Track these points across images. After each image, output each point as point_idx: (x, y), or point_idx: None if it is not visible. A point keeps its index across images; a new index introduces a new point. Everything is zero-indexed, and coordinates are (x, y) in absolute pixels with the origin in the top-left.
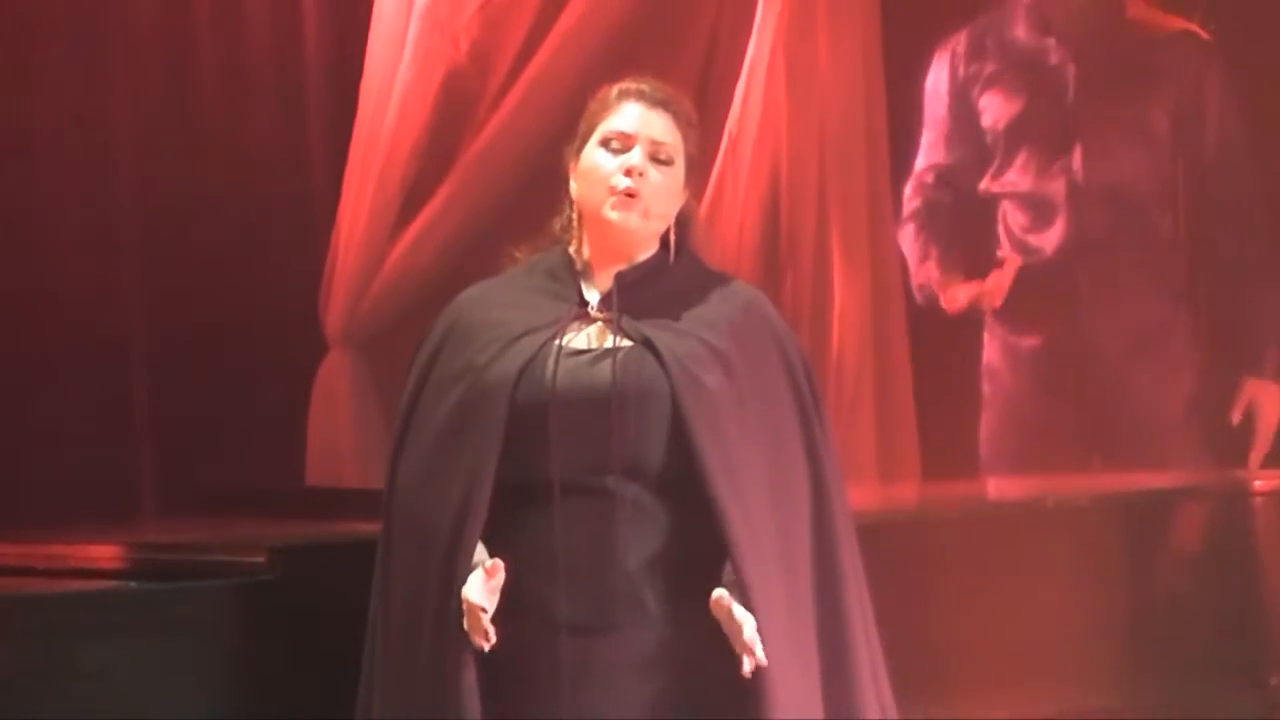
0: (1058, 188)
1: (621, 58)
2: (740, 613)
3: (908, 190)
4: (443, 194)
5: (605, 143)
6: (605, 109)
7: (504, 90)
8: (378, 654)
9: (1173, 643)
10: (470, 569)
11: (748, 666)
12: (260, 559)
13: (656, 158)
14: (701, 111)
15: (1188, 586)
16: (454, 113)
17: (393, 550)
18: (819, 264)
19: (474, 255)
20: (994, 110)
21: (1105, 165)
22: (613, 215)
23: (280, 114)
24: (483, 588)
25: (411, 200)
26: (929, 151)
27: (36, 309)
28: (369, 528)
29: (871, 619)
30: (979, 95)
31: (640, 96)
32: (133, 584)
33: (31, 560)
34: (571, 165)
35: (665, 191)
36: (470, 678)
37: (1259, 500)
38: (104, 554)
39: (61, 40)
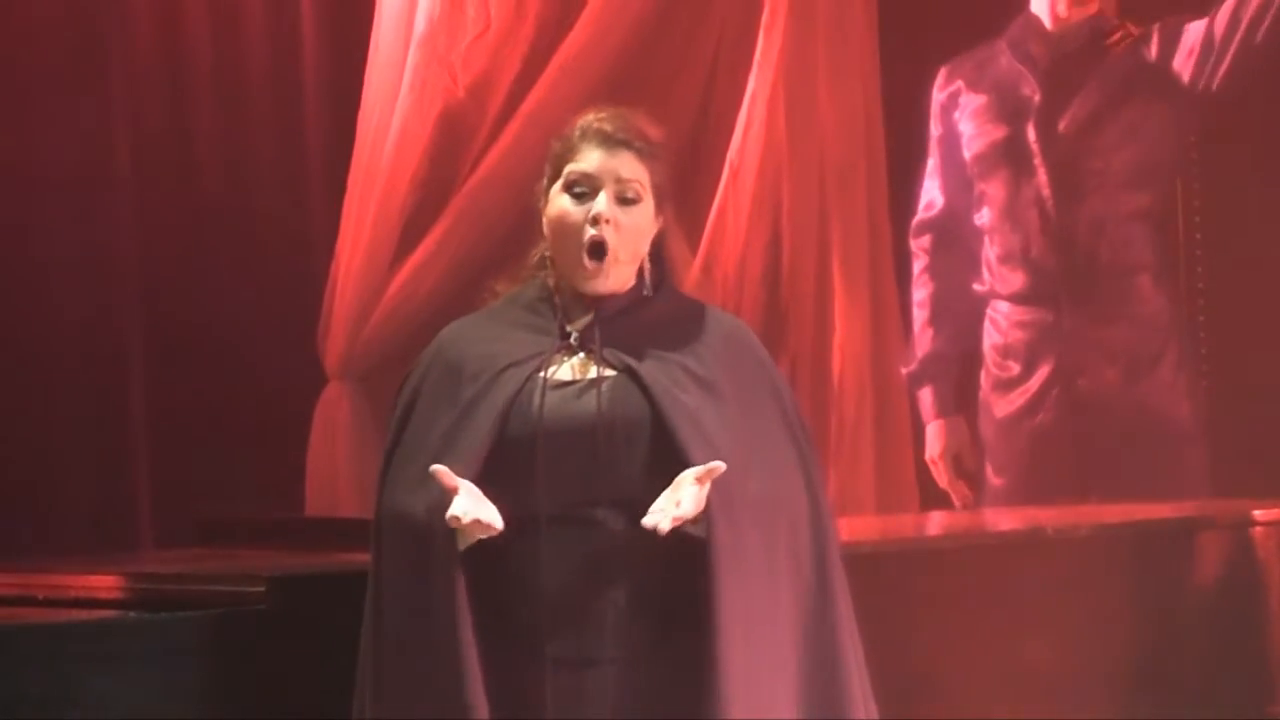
0: (1031, 218)
1: (620, 90)
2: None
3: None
4: (441, 225)
5: (569, 187)
6: (569, 152)
7: (502, 121)
8: (369, 686)
9: (1172, 672)
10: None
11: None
12: (259, 589)
13: (623, 197)
14: (702, 142)
15: (1188, 616)
16: (452, 144)
17: (383, 582)
18: (821, 295)
19: (473, 286)
20: (971, 141)
21: (1082, 196)
22: (586, 285)
23: (278, 145)
24: (459, 501)
25: (410, 231)
26: (925, 187)
27: (34, 338)
28: (367, 558)
29: (859, 642)
30: (960, 125)
31: (601, 138)
32: (132, 614)
33: (31, 590)
34: (543, 204)
35: (634, 232)
36: (476, 683)
37: (1259, 530)
38: (103, 584)
39: (59, 73)
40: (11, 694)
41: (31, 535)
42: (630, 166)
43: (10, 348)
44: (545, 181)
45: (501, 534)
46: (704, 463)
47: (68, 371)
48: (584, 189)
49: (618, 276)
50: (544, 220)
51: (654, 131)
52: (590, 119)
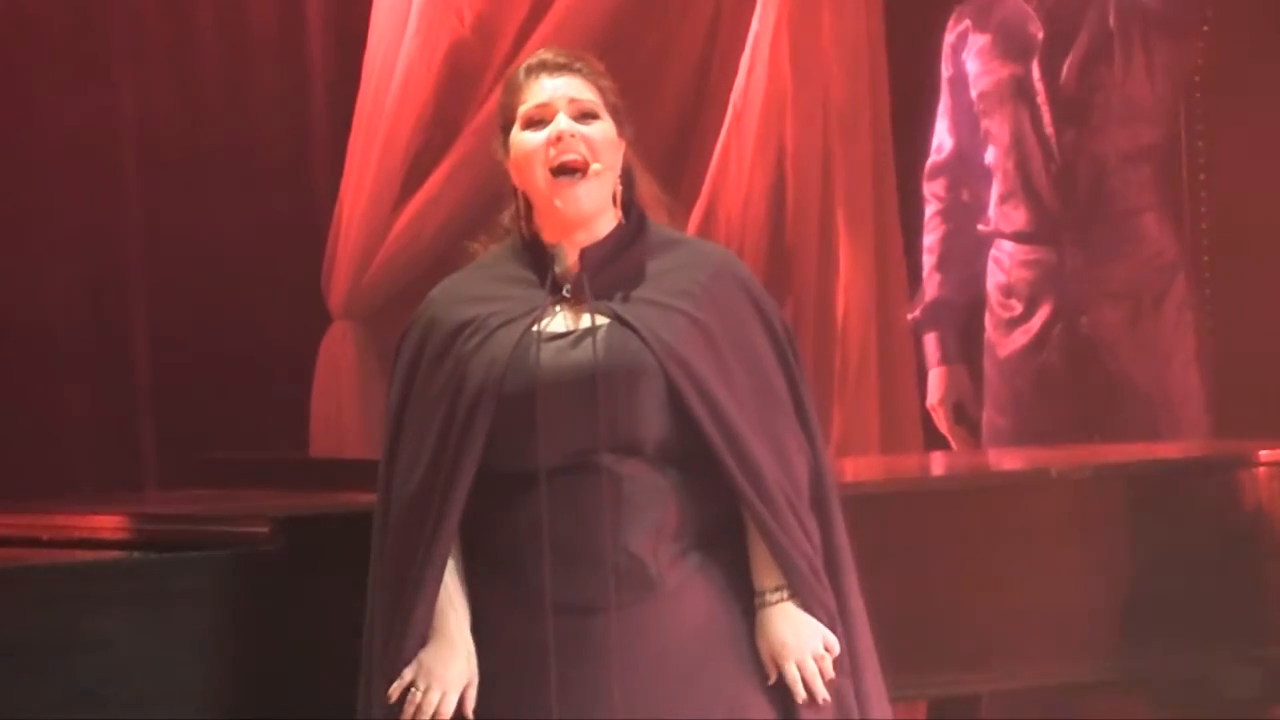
0: (1035, 156)
1: (625, 29)
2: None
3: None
4: (446, 166)
5: (528, 123)
6: (517, 93)
7: (508, 62)
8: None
9: (1174, 613)
10: (446, 553)
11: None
12: (263, 530)
13: (581, 113)
14: (705, 85)
15: (1190, 558)
16: (458, 85)
17: (386, 546)
18: (824, 237)
19: (477, 228)
20: (978, 80)
21: (1086, 133)
22: (560, 199)
23: (283, 85)
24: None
25: (415, 172)
26: (936, 129)
27: (38, 279)
28: (372, 499)
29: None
30: (967, 65)
31: (544, 68)
32: (136, 554)
33: (36, 530)
34: (504, 157)
35: (602, 142)
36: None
37: (1263, 471)
38: (108, 524)
39: (61, 10)
40: (15, 635)
41: (36, 476)
42: (579, 88)
43: (14, 289)
44: (500, 135)
45: (511, 489)
46: (699, 407)
47: (72, 311)
48: (541, 118)
49: (595, 194)
50: (511, 171)
51: (595, 59)
52: (528, 60)
